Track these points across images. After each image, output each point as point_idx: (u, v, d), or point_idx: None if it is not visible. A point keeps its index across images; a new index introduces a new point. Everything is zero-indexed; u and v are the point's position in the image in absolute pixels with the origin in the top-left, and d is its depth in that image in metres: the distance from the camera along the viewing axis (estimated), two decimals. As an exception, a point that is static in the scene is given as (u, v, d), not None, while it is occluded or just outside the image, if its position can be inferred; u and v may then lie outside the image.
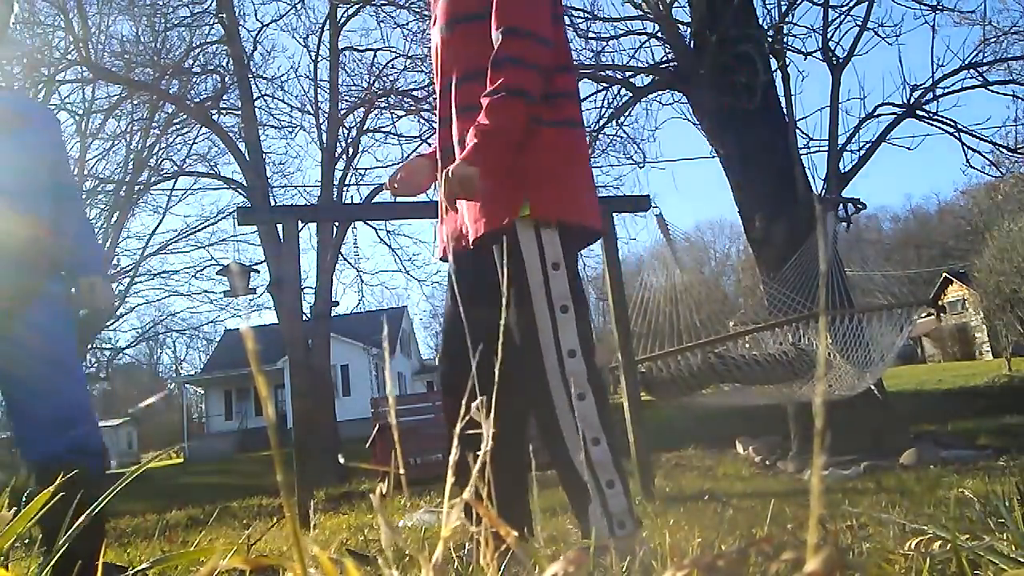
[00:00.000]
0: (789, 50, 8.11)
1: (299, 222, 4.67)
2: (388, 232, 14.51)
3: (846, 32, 8.89)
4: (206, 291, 18.05)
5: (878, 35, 8.64)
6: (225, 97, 13.82)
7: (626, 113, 10.93)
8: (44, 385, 1.81)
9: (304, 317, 11.92)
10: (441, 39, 1.83)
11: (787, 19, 8.10)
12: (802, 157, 7.20)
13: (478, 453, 0.50)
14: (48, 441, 1.76)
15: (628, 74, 10.30)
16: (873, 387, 5.25)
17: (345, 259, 13.68)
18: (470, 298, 1.76)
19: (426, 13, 11.83)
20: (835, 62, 7.95)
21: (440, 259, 1.98)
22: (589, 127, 11.51)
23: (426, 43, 12.16)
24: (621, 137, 11.46)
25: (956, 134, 8.85)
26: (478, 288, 1.75)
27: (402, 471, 0.49)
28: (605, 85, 10.78)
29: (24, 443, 1.80)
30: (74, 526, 0.87)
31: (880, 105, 8.56)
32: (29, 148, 1.93)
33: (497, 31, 1.64)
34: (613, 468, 1.61)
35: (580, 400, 1.61)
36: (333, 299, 13.34)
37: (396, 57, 13.05)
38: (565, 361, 1.61)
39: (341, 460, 9.37)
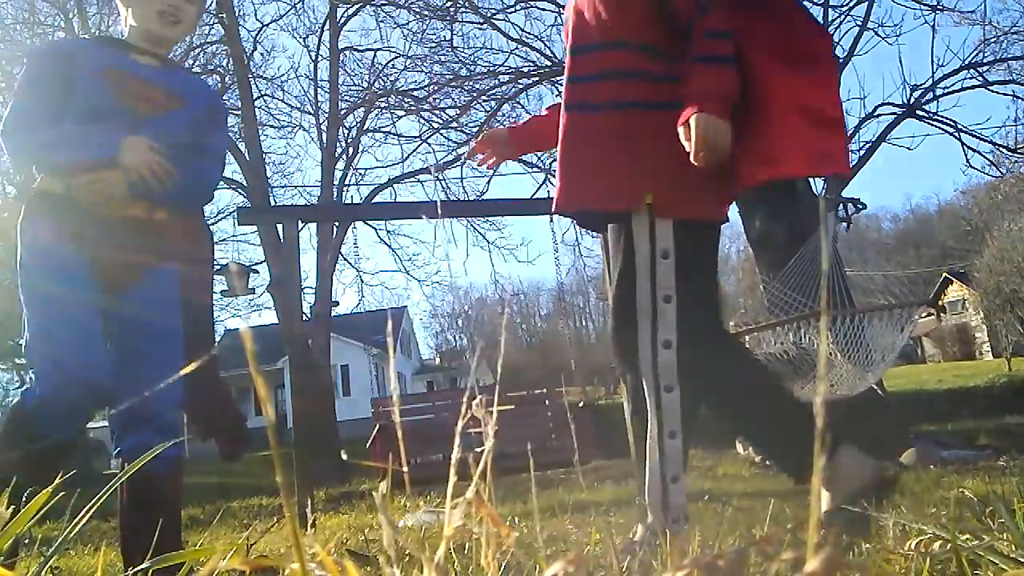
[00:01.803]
0: (789, 50, 8.10)
1: (299, 222, 4.67)
2: (388, 232, 14.51)
3: (846, 32, 8.91)
4: (206, 291, 18.02)
5: (878, 35, 8.65)
6: (225, 97, 13.82)
7: (626, 113, 10.93)
8: (144, 368, 1.76)
9: (304, 317, 11.93)
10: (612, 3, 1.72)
11: (787, 19, 8.10)
12: (802, 157, 7.19)
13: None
14: (139, 431, 1.73)
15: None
16: (875, 386, 5.25)
17: (345, 259, 13.67)
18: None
19: (426, 12, 11.83)
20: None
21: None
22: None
23: (426, 43, 12.16)
24: (621, 137, 11.46)
25: (956, 134, 8.86)
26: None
27: (405, 468, 0.49)
28: (605, 85, 10.78)
29: (119, 430, 1.76)
30: (79, 518, 0.87)
31: (880, 105, 8.57)
32: (177, 128, 1.88)
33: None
34: (680, 465, 1.67)
35: (667, 392, 1.64)
36: (333, 299, 13.34)
37: (396, 57, 13.07)
38: (659, 352, 1.63)
39: (344, 456, 9.37)
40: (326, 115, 13.44)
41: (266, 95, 13.86)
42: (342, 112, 13.44)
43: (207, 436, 2.10)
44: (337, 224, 12.74)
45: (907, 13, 12.80)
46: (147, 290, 1.82)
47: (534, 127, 2.12)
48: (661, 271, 1.65)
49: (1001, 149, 9.25)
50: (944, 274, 30.97)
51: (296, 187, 15.12)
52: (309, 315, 12.50)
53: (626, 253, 1.68)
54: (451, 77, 11.71)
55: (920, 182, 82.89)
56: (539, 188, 12.20)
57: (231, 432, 2.16)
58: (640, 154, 1.66)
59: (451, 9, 11.31)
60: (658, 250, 1.65)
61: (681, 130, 1.56)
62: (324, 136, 13.46)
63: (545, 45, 10.95)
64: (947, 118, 8.81)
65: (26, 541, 1.71)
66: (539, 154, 11.92)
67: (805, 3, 8.47)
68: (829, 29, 7.86)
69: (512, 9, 10.98)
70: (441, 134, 12.86)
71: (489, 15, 10.94)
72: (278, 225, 9.93)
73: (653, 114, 1.65)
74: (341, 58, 13.49)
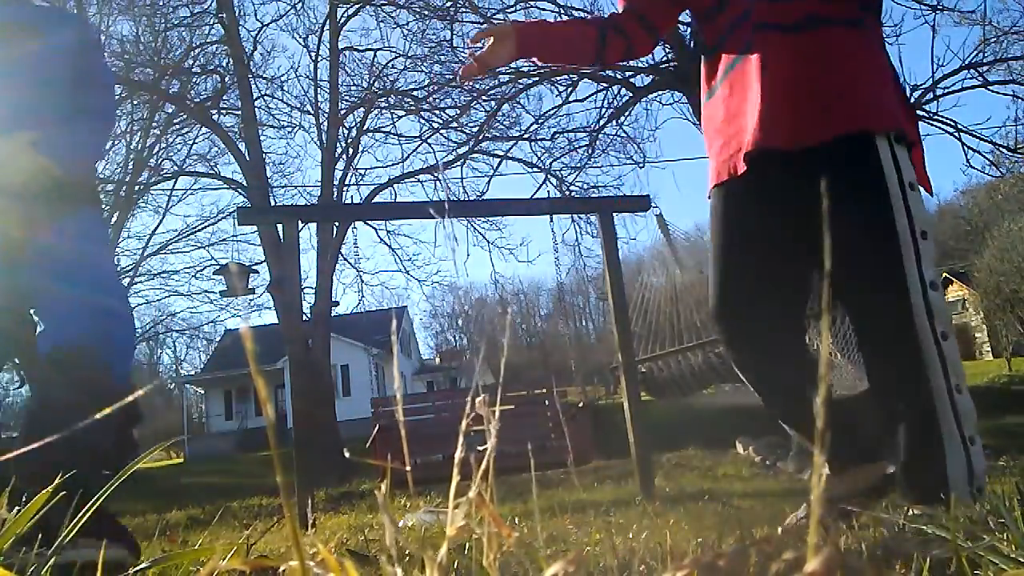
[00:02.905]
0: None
1: (299, 222, 4.68)
2: (388, 232, 14.50)
3: (846, 32, 8.89)
4: (206, 291, 18.03)
5: (878, 35, 8.63)
6: (225, 97, 13.83)
7: (626, 113, 10.95)
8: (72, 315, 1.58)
9: (304, 317, 11.93)
10: None
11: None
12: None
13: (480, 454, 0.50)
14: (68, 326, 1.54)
15: (628, 74, 10.31)
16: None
17: (345, 259, 13.67)
18: (808, 214, 1.45)
19: (426, 12, 11.84)
20: (835, 62, 7.92)
21: (718, 184, 1.67)
22: (589, 127, 11.54)
23: (426, 43, 12.16)
24: (621, 137, 11.49)
25: (956, 134, 8.86)
26: (819, 201, 1.49)
27: (408, 468, 0.49)
28: (605, 85, 10.79)
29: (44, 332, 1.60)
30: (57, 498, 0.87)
31: (880, 105, 8.54)
32: (36, 63, 1.72)
33: None
34: (975, 423, 1.42)
35: (944, 340, 1.41)
36: (333, 299, 13.34)
37: (396, 57, 13.08)
38: (929, 294, 1.42)
39: (346, 454, 9.37)
40: (326, 115, 13.45)
41: (266, 95, 13.86)
42: (342, 112, 13.44)
43: None
44: (337, 224, 12.75)
45: (907, 13, 12.81)
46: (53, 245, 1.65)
47: (550, 29, 1.80)
48: (914, 203, 1.45)
49: (1001, 149, 9.25)
50: (944, 274, 30.98)
51: (296, 187, 15.12)
52: (309, 315, 12.50)
53: (865, 181, 1.45)
54: (451, 77, 11.71)
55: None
56: (539, 188, 12.22)
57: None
58: (869, 74, 1.53)
59: (451, 9, 11.32)
60: (906, 181, 1.46)
61: None
62: (324, 136, 13.47)
63: (545, 45, 10.94)
64: (947, 118, 8.82)
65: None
66: (537, 144, 11.84)
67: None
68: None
69: (512, 9, 10.98)
70: (441, 134, 12.89)
71: (489, 15, 10.94)
72: (278, 225, 9.94)
73: (855, 33, 1.54)
74: (341, 58, 13.50)
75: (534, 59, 1.83)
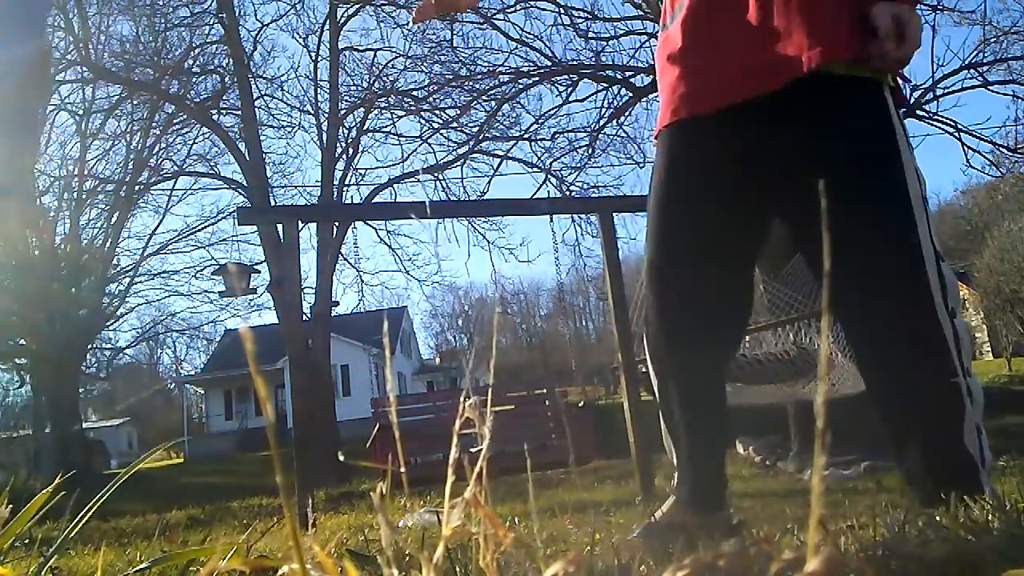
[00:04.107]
0: (789, 50, 8.11)
1: (299, 222, 4.68)
2: (388, 232, 14.51)
3: (846, 32, 8.90)
4: (206, 291, 18.08)
5: (878, 35, 8.63)
6: (225, 97, 13.84)
7: (626, 113, 10.95)
8: None
9: (304, 317, 11.93)
10: None
11: (787, 19, 8.10)
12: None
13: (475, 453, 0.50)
14: None
15: (628, 74, 10.32)
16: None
17: (345, 259, 13.67)
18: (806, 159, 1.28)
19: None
20: (835, 62, 7.92)
21: (670, 124, 1.42)
22: (589, 127, 11.54)
23: (426, 43, 12.16)
24: (621, 137, 11.48)
25: (956, 134, 8.86)
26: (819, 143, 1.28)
27: (403, 470, 0.49)
28: (605, 85, 10.79)
29: None
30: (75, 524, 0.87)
31: (880, 105, 8.55)
32: None
33: None
34: (970, 352, 1.33)
35: (955, 318, 1.29)
36: (333, 299, 13.35)
37: (396, 57, 13.08)
38: (941, 266, 1.28)
39: (341, 457, 9.38)
40: (326, 115, 13.45)
41: (266, 95, 13.88)
42: (342, 112, 13.45)
43: None
44: (337, 224, 12.75)
45: (907, 13, 12.77)
46: None
47: None
48: (917, 168, 1.30)
49: (1001, 149, 9.26)
50: (944, 274, 30.96)
51: (296, 187, 15.13)
52: (309, 315, 12.51)
53: (879, 132, 1.27)
54: (451, 77, 11.71)
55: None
56: (539, 188, 12.22)
57: None
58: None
59: (451, 9, 11.30)
60: (908, 142, 1.31)
61: (883, 15, 1.22)
62: (324, 136, 13.47)
63: (545, 45, 10.98)
64: (947, 118, 8.82)
65: (26, 541, 1.70)
66: (536, 143, 11.85)
67: None
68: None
69: (512, 9, 10.98)
70: (441, 134, 12.88)
71: (489, 15, 10.94)
72: (278, 225, 9.94)
73: None
74: (341, 58, 13.50)
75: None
